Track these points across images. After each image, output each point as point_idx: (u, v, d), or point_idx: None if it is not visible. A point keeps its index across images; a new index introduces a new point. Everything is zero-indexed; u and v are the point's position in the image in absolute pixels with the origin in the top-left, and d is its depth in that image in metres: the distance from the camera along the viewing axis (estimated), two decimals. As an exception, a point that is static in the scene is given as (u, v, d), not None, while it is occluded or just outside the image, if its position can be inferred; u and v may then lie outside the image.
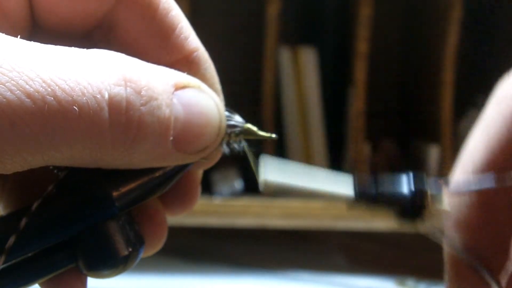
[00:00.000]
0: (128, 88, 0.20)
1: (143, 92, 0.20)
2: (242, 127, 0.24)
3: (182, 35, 0.24)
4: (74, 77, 0.19)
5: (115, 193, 0.22)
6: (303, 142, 1.06)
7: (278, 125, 1.04)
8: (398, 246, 1.10)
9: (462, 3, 0.98)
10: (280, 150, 1.05)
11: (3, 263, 0.21)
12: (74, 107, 0.19)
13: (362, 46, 1.01)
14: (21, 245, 0.21)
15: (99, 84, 0.20)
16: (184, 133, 0.22)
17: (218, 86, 0.26)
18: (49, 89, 0.19)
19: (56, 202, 0.22)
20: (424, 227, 0.26)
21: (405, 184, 0.25)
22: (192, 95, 0.22)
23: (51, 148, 0.19)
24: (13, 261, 0.21)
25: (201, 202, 0.98)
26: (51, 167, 0.22)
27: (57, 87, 0.19)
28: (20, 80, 0.18)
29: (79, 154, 0.20)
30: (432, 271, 1.01)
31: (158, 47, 0.24)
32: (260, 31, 1.04)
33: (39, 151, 0.19)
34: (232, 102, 0.26)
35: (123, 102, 0.20)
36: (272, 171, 0.23)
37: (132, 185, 0.22)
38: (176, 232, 1.10)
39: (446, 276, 0.28)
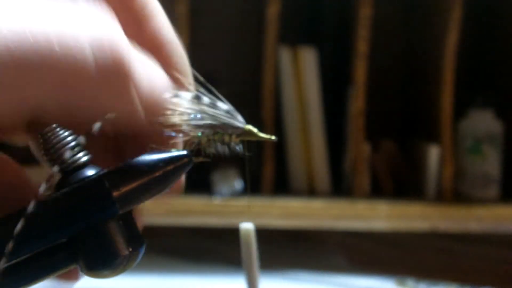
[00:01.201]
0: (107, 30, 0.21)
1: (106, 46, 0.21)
2: (243, 128, 0.24)
3: (155, 25, 0.25)
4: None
5: (115, 193, 0.22)
6: (303, 142, 1.06)
7: (278, 125, 1.04)
8: (398, 246, 1.10)
9: (462, 3, 0.98)
10: (280, 150, 1.05)
11: (3, 265, 0.21)
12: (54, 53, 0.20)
13: (362, 46, 1.01)
14: (22, 245, 0.21)
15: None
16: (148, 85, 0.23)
17: (160, 38, 0.26)
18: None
19: (56, 202, 0.22)
20: None
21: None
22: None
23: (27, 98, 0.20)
24: (14, 262, 0.21)
25: (201, 202, 0.99)
26: (40, 140, 0.22)
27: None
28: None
29: (68, 99, 0.21)
30: (432, 271, 1.01)
31: (132, 33, 0.25)
32: (260, 31, 1.04)
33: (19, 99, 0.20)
34: (232, 102, 0.26)
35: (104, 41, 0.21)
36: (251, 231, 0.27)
37: (132, 185, 0.22)
38: (176, 232, 1.10)
39: None
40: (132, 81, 0.22)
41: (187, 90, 0.25)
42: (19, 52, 0.19)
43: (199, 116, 0.24)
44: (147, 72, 0.23)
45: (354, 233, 1.07)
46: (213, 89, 0.24)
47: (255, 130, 0.25)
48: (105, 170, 0.23)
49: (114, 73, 0.21)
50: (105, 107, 0.22)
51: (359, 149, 1.03)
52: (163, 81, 0.24)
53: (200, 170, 0.28)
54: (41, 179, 0.22)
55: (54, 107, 0.21)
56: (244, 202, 0.99)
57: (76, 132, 0.23)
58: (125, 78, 0.22)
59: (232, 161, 1.10)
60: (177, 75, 0.25)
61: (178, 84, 0.25)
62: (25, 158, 0.28)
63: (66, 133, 0.22)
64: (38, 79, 0.20)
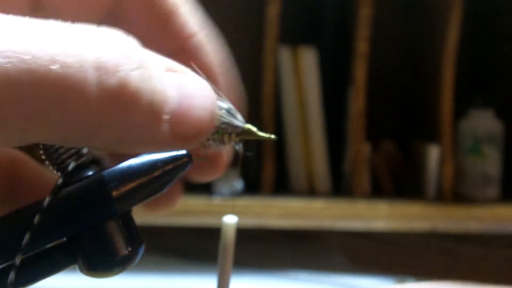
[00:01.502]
0: (114, 52, 0.18)
1: (132, 57, 0.19)
2: (242, 127, 0.24)
3: (179, 21, 0.24)
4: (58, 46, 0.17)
5: (114, 193, 0.22)
6: (303, 142, 1.06)
7: (278, 125, 1.04)
8: (398, 246, 1.10)
9: (462, 3, 0.98)
10: (280, 150, 1.05)
11: (2, 264, 0.21)
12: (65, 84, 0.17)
13: (362, 46, 1.01)
14: (21, 245, 0.21)
15: (80, 51, 0.18)
16: (179, 113, 0.20)
17: (217, 69, 0.25)
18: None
19: (55, 202, 0.22)
20: None
21: None
22: (183, 77, 0.21)
23: (32, 127, 0.17)
24: (12, 261, 0.21)
25: (201, 202, 0.99)
26: (41, 146, 0.22)
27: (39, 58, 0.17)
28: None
29: (64, 133, 0.18)
30: (432, 271, 1.01)
31: (158, 37, 0.24)
32: (260, 31, 1.04)
33: (20, 129, 0.17)
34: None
35: (109, 62, 0.18)
36: (233, 225, 0.27)
37: (132, 185, 0.22)
38: (176, 232, 1.10)
39: None
40: (148, 109, 0.19)
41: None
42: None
43: None
44: (182, 87, 0.20)
45: (354, 233, 1.07)
46: (213, 87, 0.24)
47: (254, 129, 0.25)
48: (104, 170, 0.23)
49: (119, 99, 0.18)
50: (109, 135, 0.19)
51: (359, 149, 1.03)
52: (203, 98, 0.21)
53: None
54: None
55: (51, 136, 0.19)
56: (244, 202, 0.99)
57: None
58: (133, 105, 0.18)
59: (232, 161, 1.10)
60: (205, 67, 0.23)
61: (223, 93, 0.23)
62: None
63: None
64: (31, 107, 0.17)
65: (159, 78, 0.19)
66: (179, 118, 0.20)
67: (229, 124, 0.24)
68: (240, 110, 0.24)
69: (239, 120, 0.24)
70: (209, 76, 0.23)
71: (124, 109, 0.18)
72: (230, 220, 0.27)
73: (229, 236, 0.26)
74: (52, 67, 0.17)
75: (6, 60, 0.16)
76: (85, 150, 0.23)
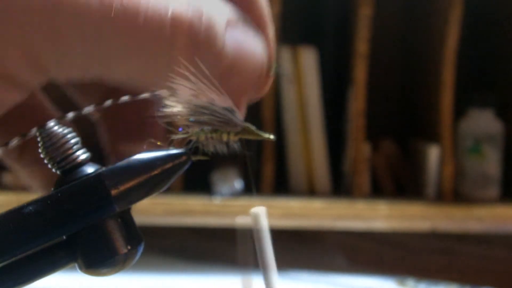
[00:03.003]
0: (191, 10, 0.20)
1: (203, 18, 0.20)
2: (241, 126, 0.24)
3: None
4: None
5: (113, 192, 0.22)
6: (303, 142, 1.06)
7: (278, 125, 1.04)
8: (398, 246, 1.10)
9: (462, 3, 0.98)
10: (280, 150, 1.05)
11: (1, 263, 0.21)
12: (139, 17, 0.19)
13: (362, 46, 1.01)
14: (20, 244, 0.21)
15: (165, 0, 0.20)
16: (231, 68, 0.21)
17: (266, 18, 0.25)
18: None
19: (55, 200, 0.22)
20: None
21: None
22: (241, 35, 0.22)
23: (111, 56, 0.19)
24: (12, 260, 0.21)
25: (201, 202, 0.99)
26: (38, 138, 0.22)
27: None
28: None
29: (135, 71, 0.20)
30: (432, 271, 1.01)
31: None
32: (260, 31, 1.04)
33: (99, 55, 0.19)
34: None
35: (185, 22, 0.20)
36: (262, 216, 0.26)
37: (131, 184, 0.22)
38: (176, 232, 1.10)
39: None
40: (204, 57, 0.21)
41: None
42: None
43: (197, 113, 0.24)
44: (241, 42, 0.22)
45: (354, 233, 1.07)
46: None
47: (253, 128, 0.25)
48: (104, 168, 0.23)
49: (200, 39, 0.20)
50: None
51: (359, 149, 1.03)
52: (254, 60, 0.22)
53: (200, 170, 0.28)
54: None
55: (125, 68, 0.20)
56: (244, 202, 0.99)
57: (75, 130, 0.23)
58: (208, 48, 0.20)
59: (232, 161, 1.10)
60: (256, 14, 0.24)
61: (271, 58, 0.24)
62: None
63: (65, 131, 0.22)
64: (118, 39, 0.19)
65: (221, 37, 0.21)
66: (230, 72, 0.21)
67: (228, 123, 0.24)
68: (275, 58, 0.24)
69: (238, 119, 0.24)
70: (259, 25, 0.24)
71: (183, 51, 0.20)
72: (257, 210, 0.26)
73: (259, 228, 0.26)
74: (139, 18, 0.19)
75: None
76: (84, 148, 0.23)
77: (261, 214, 0.27)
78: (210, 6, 0.21)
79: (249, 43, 0.22)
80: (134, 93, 0.21)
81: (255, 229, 0.27)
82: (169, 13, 0.20)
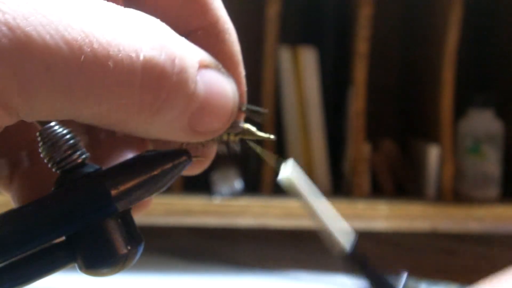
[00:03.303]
0: (163, 54, 0.20)
1: (176, 61, 0.20)
2: (241, 127, 0.24)
3: (205, 2, 0.24)
4: (112, 32, 0.19)
5: (113, 192, 0.22)
6: (303, 142, 1.06)
7: (278, 125, 1.04)
8: (398, 246, 1.10)
9: (462, 3, 0.98)
10: (280, 150, 1.05)
11: (1, 263, 0.21)
12: (109, 62, 0.19)
13: (362, 46, 1.01)
14: (20, 244, 0.21)
15: (136, 44, 0.20)
16: (200, 111, 0.21)
17: (236, 58, 0.25)
18: (87, 40, 0.19)
19: (54, 200, 0.22)
20: None
21: (397, 280, 0.27)
22: (212, 76, 0.22)
23: (80, 100, 0.19)
24: (12, 260, 0.21)
25: (201, 202, 0.99)
26: (38, 138, 0.22)
27: (95, 38, 0.19)
28: (60, 25, 0.18)
29: (105, 112, 0.20)
30: (432, 271, 1.01)
31: (179, 13, 0.24)
32: (260, 31, 1.04)
33: (68, 100, 0.19)
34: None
35: (157, 67, 0.20)
36: (294, 172, 0.25)
37: (131, 184, 0.22)
38: (176, 232, 1.10)
39: None
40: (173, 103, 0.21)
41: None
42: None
43: None
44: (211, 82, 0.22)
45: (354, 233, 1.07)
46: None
47: (253, 129, 0.25)
48: (104, 169, 0.23)
49: (151, 87, 0.20)
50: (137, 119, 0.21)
51: (359, 149, 1.03)
52: (226, 100, 0.22)
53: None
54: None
55: (91, 116, 0.20)
56: (244, 202, 0.99)
57: (75, 130, 0.23)
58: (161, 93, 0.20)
59: (232, 161, 1.10)
60: (225, 56, 0.24)
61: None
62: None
63: (65, 131, 0.22)
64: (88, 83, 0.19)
65: (192, 80, 0.21)
66: (199, 116, 0.21)
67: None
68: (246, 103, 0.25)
69: (238, 120, 0.24)
70: (229, 65, 0.24)
71: (158, 107, 0.20)
72: (286, 175, 0.26)
73: (297, 189, 0.25)
74: (109, 63, 0.19)
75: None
76: (83, 149, 0.23)
77: (291, 179, 0.26)
78: (183, 49, 0.21)
79: (220, 84, 0.22)
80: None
81: (293, 194, 0.26)
82: (141, 58, 0.19)
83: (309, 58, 1.05)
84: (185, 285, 0.96)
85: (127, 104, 0.20)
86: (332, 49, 1.15)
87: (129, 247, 0.22)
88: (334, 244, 0.25)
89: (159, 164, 0.23)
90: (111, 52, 0.19)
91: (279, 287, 0.96)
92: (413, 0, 1.17)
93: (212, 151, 0.26)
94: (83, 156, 0.23)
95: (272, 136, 0.26)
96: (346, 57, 1.07)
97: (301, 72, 1.05)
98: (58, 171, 0.22)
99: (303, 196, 0.25)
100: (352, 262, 0.25)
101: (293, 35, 1.13)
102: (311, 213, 0.25)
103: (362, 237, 1.19)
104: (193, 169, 0.26)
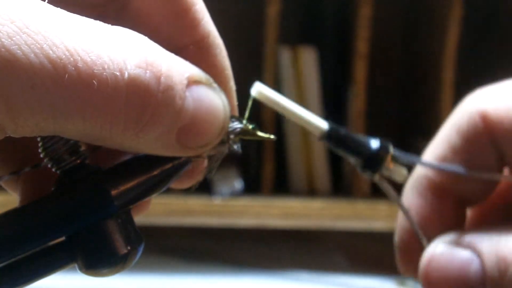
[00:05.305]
0: (148, 72, 0.20)
1: (162, 79, 0.20)
2: (241, 127, 0.24)
3: (195, 18, 0.24)
4: (97, 50, 0.19)
5: (113, 192, 0.22)
6: (303, 142, 1.06)
7: (278, 125, 1.04)
8: (398, 246, 1.10)
9: (462, 3, 0.98)
10: (280, 150, 1.05)
11: (2, 263, 0.21)
12: (94, 80, 0.19)
13: (362, 46, 1.01)
14: (20, 244, 0.21)
15: (121, 62, 0.20)
16: (189, 127, 0.21)
17: (227, 72, 0.26)
18: (72, 58, 0.19)
19: (54, 201, 0.22)
20: (379, 179, 0.30)
21: (372, 142, 0.29)
22: (202, 92, 0.22)
23: (65, 117, 0.19)
24: (12, 260, 0.21)
25: (201, 202, 0.99)
26: (38, 139, 0.22)
27: (79, 57, 0.19)
28: (45, 44, 0.18)
29: (90, 129, 0.20)
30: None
31: (170, 29, 0.24)
32: (260, 31, 1.04)
33: (53, 117, 0.19)
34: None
35: (142, 85, 0.20)
36: (265, 88, 0.27)
37: (131, 184, 0.22)
38: (176, 232, 1.10)
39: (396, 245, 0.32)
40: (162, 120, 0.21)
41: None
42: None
43: None
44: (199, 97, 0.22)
45: (354, 233, 1.07)
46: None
47: (254, 129, 0.25)
48: (104, 169, 0.23)
49: (137, 104, 0.20)
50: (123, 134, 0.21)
51: (359, 149, 1.03)
52: (217, 115, 0.22)
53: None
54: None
55: (75, 132, 0.20)
56: (244, 202, 0.99)
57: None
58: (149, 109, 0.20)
59: (232, 161, 1.10)
60: (216, 71, 0.24)
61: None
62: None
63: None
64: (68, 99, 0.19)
65: (180, 97, 0.21)
66: (188, 132, 0.21)
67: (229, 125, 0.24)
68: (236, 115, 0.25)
69: (238, 120, 0.24)
70: (220, 79, 0.24)
71: (143, 124, 0.20)
72: (257, 88, 0.27)
73: (270, 98, 0.27)
74: (94, 81, 0.19)
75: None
76: (83, 149, 0.23)
77: (262, 90, 0.27)
78: (170, 65, 0.21)
79: (211, 99, 0.22)
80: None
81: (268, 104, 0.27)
82: (126, 76, 0.20)
83: (309, 58, 1.05)
84: (185, 285, 0.96)
85: (112, 122, 0.20)
86: (332, 49, 1.15)
87: (129, 247, 0.22)
88: (313, 128, 0.27)
89: (159, 165, 0.23)
90: (95, 71, 0.19)
91: (279, 287, 0.96)
92: (413, 0, 1.17)
93: (203, 163, 0.26)
94: (83, 157, 0.23)
95: (272, 136, 0.26)
96: (346, 57, 1.07)
97: (301, 72, 1.05)
98: (58, 171, 0.22)
99: (276, 101, 0.27)
100: (332, 138, 0.26)
101: (293, 35, 1.13)
102: (288, 111, 0.27)
103: (362, 237, 1.18)
104: (185, 182, 0.26)
